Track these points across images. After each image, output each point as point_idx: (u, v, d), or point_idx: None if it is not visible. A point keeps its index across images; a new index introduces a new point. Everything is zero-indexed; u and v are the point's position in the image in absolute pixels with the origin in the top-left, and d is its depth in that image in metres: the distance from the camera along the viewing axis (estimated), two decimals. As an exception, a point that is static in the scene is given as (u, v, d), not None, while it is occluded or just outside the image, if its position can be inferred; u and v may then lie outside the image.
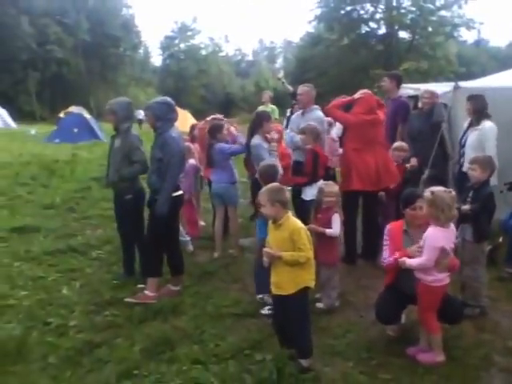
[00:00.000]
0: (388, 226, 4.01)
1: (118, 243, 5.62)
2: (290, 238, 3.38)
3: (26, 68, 54.27)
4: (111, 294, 4.87)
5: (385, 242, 3.95)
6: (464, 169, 5.98)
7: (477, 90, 6.18)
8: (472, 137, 5.91)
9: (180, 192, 4.84)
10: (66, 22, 53.77)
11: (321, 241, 4.49)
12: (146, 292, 4.70)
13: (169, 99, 4.83)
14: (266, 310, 4.41)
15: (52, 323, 4.22)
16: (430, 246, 3.52)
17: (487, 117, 5.82)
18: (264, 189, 3.53)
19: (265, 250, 3.47)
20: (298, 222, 3.45)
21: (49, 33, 54.85)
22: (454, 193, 3.55)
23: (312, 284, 3.49)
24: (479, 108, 5.83)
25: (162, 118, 4.67)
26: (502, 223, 5.31)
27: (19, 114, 48.81)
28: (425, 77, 19.34)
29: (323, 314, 4.41)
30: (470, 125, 5.99)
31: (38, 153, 19.11)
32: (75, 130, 23.14)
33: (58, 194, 9.96)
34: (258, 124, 5.71)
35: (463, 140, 6.06)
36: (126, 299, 4.65)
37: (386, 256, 3.87)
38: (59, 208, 8.85)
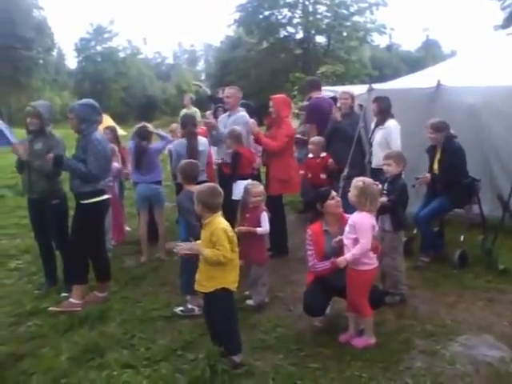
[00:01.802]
0: (308, 231, 4.11)
1: (38, 252, 5.37)
2: (209, 238, 3.43)
3: None
4: (33, 304, 4.68)
5: (309, 247, 4.05)
6: (373, 165, 6.40)
7: (388, 92, 6.61)
8: (378, 135, 6.34)
9: (106, 196, 4.74)
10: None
11: (250, 240, 4.58)
12: (71, 300, 4.56)
13: (93, 101, 4.73)
14: (178, 310, 4.49)
15: (-30, 338, 3.99)
16: (363, 228, 3.71)
17: (391, 116, 6.25)
18: (197, 187, 3.61)
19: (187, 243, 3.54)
20: (221, 223, 3.47)
21: (-49, 35, 50.95)
22: (380, 186, 3.80)
23: (232, 287, 3.50)
24: (384, 108, 6.25)
25: (87, 121, 4.56)
26: (414, 216, 5.68)
27: None
28: (341, 80, 20.16)
29: (253, 311, 4.50)
30: (377, 124, 6.39)
31: None
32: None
33: None
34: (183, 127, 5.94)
35: (371, 139, 6.45)
36: (50, 308, 4.49)
37: (314, 261, 3.99)
38: None
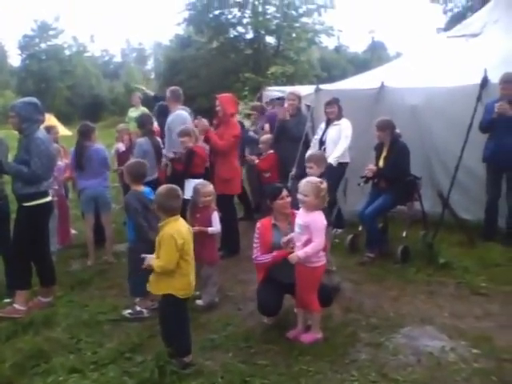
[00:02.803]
0: (258, 224, 4.21)
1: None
2: (158, 242, 3.45)
3: None
4: (-27, 311, 4.49)
5: (255, 240, 4.14)
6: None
7: (335, 92, 6.80)
8: (332, 132, 6.52)
9: (49, 198, 4.62)
10: None
11: (202, 240, 4.56)
12: (15, 305, 4.42)
13: (35, 100, 4.59)
14: (126, 313, 4.46)
15: None
16: (317, 228, 3.76)
17: (342, 115, 6.52)
18: (159, 189, 3.61)
19: (148, 258, 3.51)
20: (173, 229, 3.42)
21: None
22: (325, 184, 3.88)
23: (180, 293, 3.48)
24: (341, 109, 6.54)
25: (29, 119, 4.42)
26: (359, 213, 5.85)
27: None
28: (291, 80, 20.33)
29: (203, 311, 4.51)
30: (327, 123, 6.57)
31: None
32: None
33: None
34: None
35: (324, 137, 6.61)
36: (-10, 314, 4.32)
37: (258, 254, 4.07)
38: None
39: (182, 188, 5.44)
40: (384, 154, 5.84)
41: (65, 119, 31.36)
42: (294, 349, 3.78)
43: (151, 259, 3.47)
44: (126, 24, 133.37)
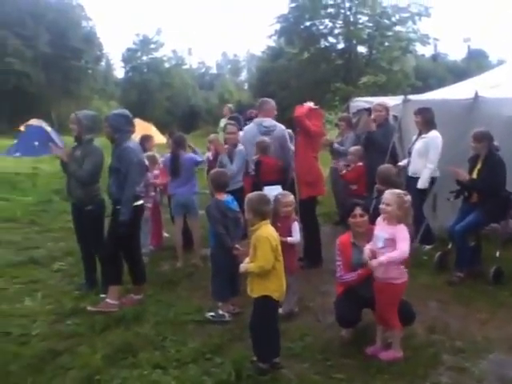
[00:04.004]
0: (337, 241, 4.20)
1: (80, 255, 5.63)
2: (253, 244, 3.59)
3: (-16, 81, 52.88)
4: (73, 303, 4.91)
5: (337, 258, 4.14)
6: (409, 173, 6.45)
7: (425, 103, 6.59)
8: (419, 144, 6.33)
9: (140, 202, 4.96)
10: (26, 34, 52.76)
11: (281, 249, 4.63)
12: (108, 300, 4.76)
13: (126, 112, 5.00)
14: (209, 315, 4.61)
15: (13, 333, 4.24)
16: (403, 237, 3.65)
17: (434, 127, 6.26)
18: (247, 196, 3.78)
19: (241, 265, 3.70)
20: (266, 232, 3.62)
21: (7, 45, 53.61)
22: (409, 196, 3.80)
23: (275, 295, 3.62)
24: (428, 119, 6.28)
25: (120, 130, 4.79)
26: (449, 230, 5.61)
27: (-23, 128, 47.43)
28: (383, 90, 19.93)
29: (282, 319, 4.55)
30: (419, 134, 6.39)
31: (-3, 166, 18.66)
32: (36, 144, 22.71)
33: (19, 207, 9.84)
34: None
35: (411, 148, 6.44)
36: (88, 308, 4.70)
37: (341, 272, 4.06)
38: (20, 221, 8.77)
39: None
40: (478, 166, 5.55)
41: (163, 128, 33.03)
42: (372, 366, 3.72)
43: (246, 265, 3.64)
44: (223, 37, 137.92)
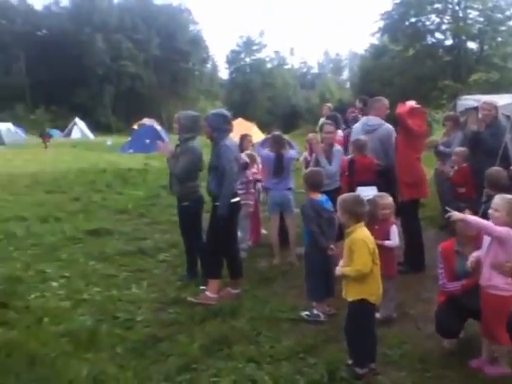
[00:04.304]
0: (439, 248, 3.98)
1: (183, 247, 5.91)
2: (349, 246, 3.52)
3: (102, 82, 57.52)
4: (175, 293, 5.16)
5: (439, 265, 3.93)
6: None
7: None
8: None
9: (237, 198, 5.10)
10: (138, 37, 56.43)
11: (379, 253, 4.51)
12: (207, 293, 4.93)
13: (225, 112, 5.21)
14: (304, 314, 4.59)
15: (120, 317, 4.55)
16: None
17: None
18: (340, 197, 3.73)
19: (337, 268, 3.66)
20: (362, 234, 3.54)
21: (121, 48, 57.75)
22: None
23: (372, 299, 3.54)
24: None
25: (218, 129, 4.96)
26: None
27: (96, 126, 51.87)
28: (496, 88, 18.49)
29: (380, 324, 4.41)
30: None
31: (113, 162, 20.27)
32: (147, 141, 24.26)
33: (131, 201, 10.58)
34: None
35: None
36: (189, 299, 4.91)
37: (444, 281, 3.86)
38: (131, 213, 9.43)
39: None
40: None
41: (264, 128, 33.61)
42: (476, 379, 3.49)
43: (342, 268, 3.58)
44: (325, 36, 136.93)
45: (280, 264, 6.18)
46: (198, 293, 5.04)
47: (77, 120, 47.03)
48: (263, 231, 7.51)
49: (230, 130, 5.10)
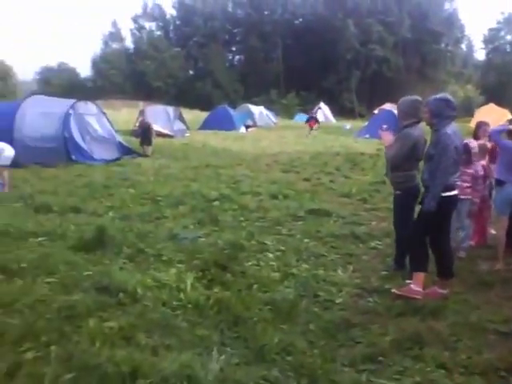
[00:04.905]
0: None
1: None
2: None
3: (350, 67, 58.87)
4: (379, 282, 5.10)
5: None
6: None
7: None
8: None
9: (453, 192, 4.69)
10: (389, 20, 55.80)
11: None
12: (412, 286, 4.71)
13: (448, 96, 4.77)
14: None
15: (321, 297, 4.73)
16: None
17: None
18: None
19: None
20: None
21: (372, 32, 57.95)
22: None
23: None
24: None
25: (439, 115, 4.60)
26: None
27: (340, 110, 53.65)
28: None
29: None
30: None
31: (346, 146, 20.86)
32: (384, 127, 23.96)
33: (355, 185, 10.77)
34: None
35: None
36: (393, 290, 4.76)
37: None
38: (353, 197, 9.62)
39: None
40: None
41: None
42: None
43: None
44: None
45: (503, 270, 5.52)
46: (402, 286, 4.86)
47: (321, 104, 49.30)
48: (492, 231, 6.77)
49: (453, 117, 4.72)
